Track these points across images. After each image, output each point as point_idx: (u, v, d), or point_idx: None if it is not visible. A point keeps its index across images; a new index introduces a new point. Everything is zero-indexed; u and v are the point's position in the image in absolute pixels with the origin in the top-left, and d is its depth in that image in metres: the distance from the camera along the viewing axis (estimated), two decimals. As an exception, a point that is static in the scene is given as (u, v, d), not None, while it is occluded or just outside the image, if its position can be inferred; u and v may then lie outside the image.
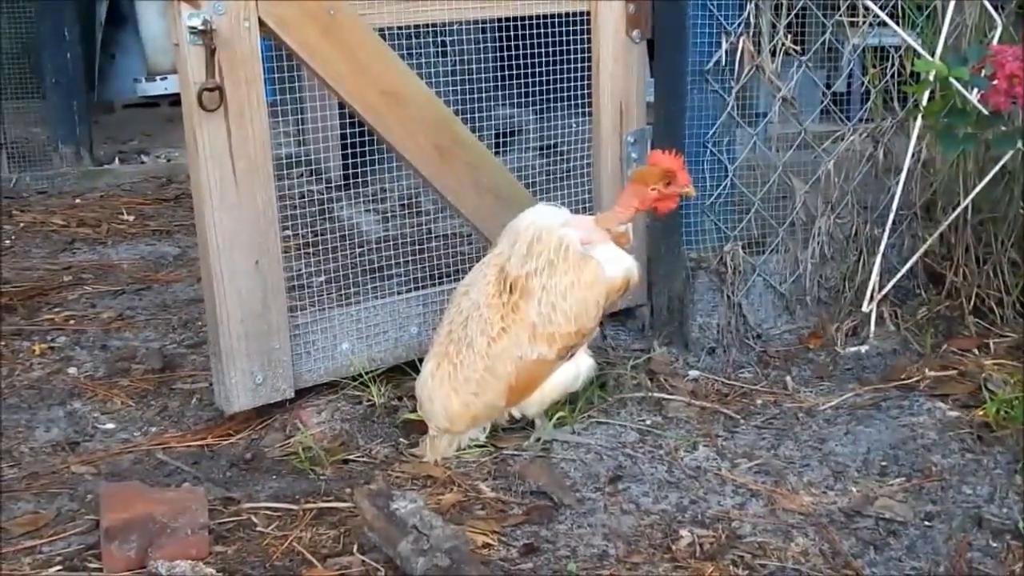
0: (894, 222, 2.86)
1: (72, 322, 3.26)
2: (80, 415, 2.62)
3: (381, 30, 2.52)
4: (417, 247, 3.05)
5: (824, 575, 1.92)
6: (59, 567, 1.97)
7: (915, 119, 2.76)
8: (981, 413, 2.46)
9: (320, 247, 2.80)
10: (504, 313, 2.29)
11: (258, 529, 2.09)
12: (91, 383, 2.80)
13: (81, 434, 2.53)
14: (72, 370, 2.89)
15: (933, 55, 2.63)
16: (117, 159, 5.64)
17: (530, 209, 2.41)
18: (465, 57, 3.75)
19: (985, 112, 2.43)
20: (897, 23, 2.79)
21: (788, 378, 2.73)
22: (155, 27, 6.77)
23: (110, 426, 2.57)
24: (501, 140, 4.08)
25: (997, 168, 2.73)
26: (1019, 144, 2.43)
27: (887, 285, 2.88)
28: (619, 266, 2.34)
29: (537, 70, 2.91)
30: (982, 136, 2.46)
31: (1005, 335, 2.87)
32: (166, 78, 6.78)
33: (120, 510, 1.99)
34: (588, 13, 2.80)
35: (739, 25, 2.70)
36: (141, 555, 1.94)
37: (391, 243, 2.88)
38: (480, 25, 3.81)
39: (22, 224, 4.47)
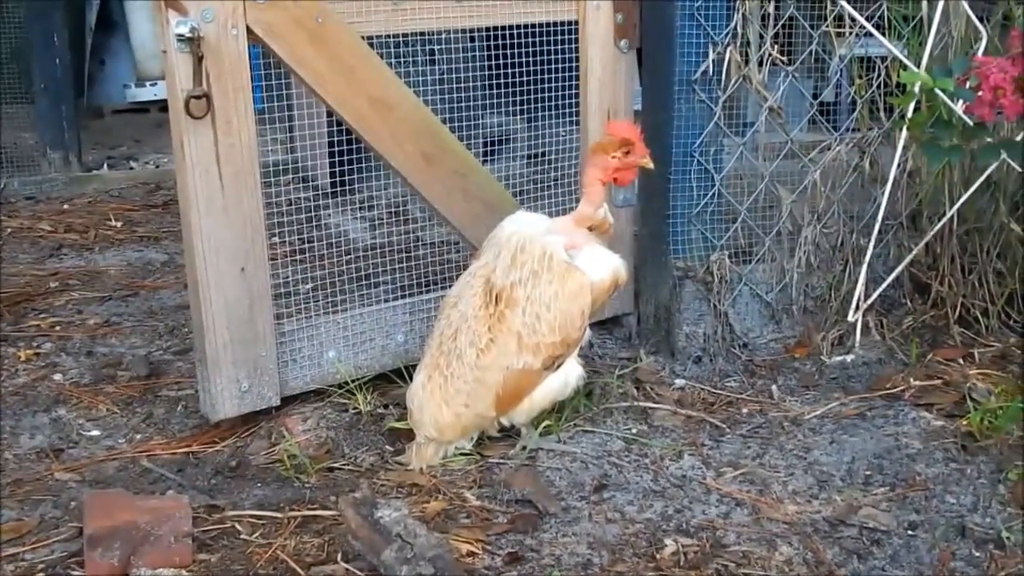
0: (880, 232, 2.87)
1: (58, 328, 3.25)
2: (65, 422, 2.61)
3: (369, 38, 2.53)
4: (405, 255, 3.05)
5: (807, 584, 1.93)
6: (42, 574, 1.96)
7: (901, 130, 2.77)
8: (965, 423, 2.47)
9: (307, 254, 2.80)
10: (491, 324, 2.29)
11: (242, 537, 2.08)
12: (76, 389, 2.79)
13: (66, 441, 2.52)
14: (57, 376, 2.88)
15: (919, 66, 2.65)
16: (106, 165, 5.62)
17: (509, 218, 2.42)
18: (454, 65, 3.76)
19: (970, 123, 2.44)
20: (883, 34, 2.81)
21: (774, 387, 2.73)
22: (145, 33, 6.75)
23: (95, 433, 2.56)
24: (489, 148, 4.09)
25: (982, 179, 2.74)
26: (1004, 155, 2.44)
27: (873, 295, 2.89)
28: (606, 267, 2.36)
29: (525, 79, 2.92)
30: (967, 148, 2.47)
31: (990, 345, 2.88)
32: (156, 84, 6.75)
33: (104, 518, 1.98)
34: (576, 22, 2.81)
35: (726, 35, 2.72)
36: (124, 563, 1.93)
37: (378, 251, 2.88)
38: (469, 33, 3.82)
39: (9, 229, 4.45)
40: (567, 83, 2.92)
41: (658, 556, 2.01)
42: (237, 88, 2.31)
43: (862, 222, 2.97)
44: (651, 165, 2.39)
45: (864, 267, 2.86)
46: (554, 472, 2.33)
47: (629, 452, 2.42)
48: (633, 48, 2.88)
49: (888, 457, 2.36)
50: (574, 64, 2.86)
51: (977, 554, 2.00)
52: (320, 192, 3.87)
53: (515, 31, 2.85)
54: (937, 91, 2.42)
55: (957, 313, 2.96)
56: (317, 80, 2.44)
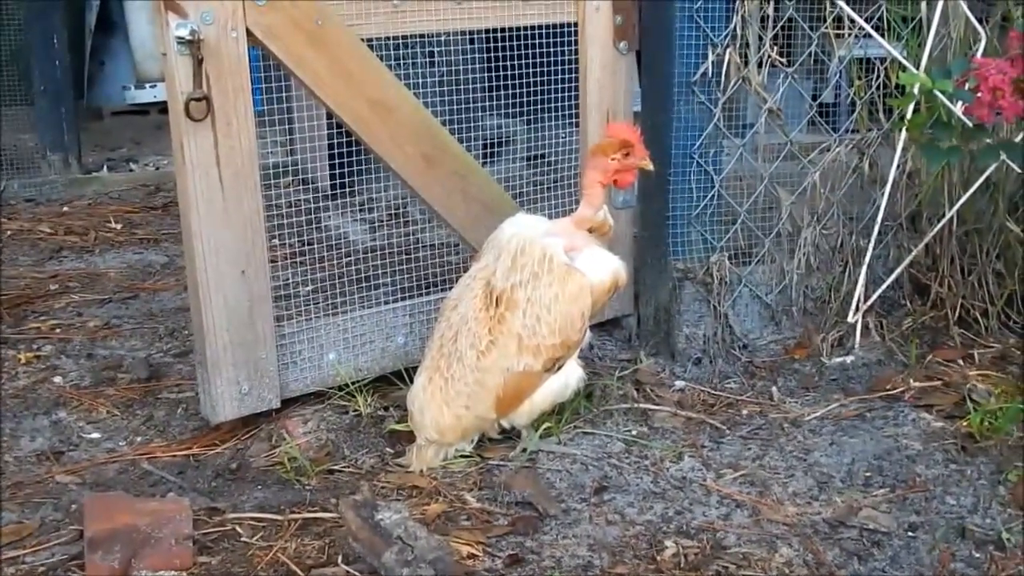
0: (879, 233, 2.88)
1: (58, 331, 3.25)
2: (65, 424, 2.61)
3: (369, 40, 2.53)
4: (404, 257, 3.06)
5: (808, 586, 1.93)
6: (42, 578, 1.96)
7: (900, 131, 2.78)
8: (965, 424, 2.47)
9: (307, 256, 2.79)
10: (491, 326, 2.29)
11: (243, 539, 2.08)
12: (77, 392, 2.79)
13: (66, 443, 2.52)
14: (58, 379, 2.88)
15: (918, 67, 2.65)
16: (105, 167, 5.62)
17: (509, 220, 2.42)
18: (453, 67, 3.76)
19: (969, 125, 2.45)
20: (883, 35, 2.81)
21: (774, 388, 2.73)
22: (145, 34, 6.75)
23: (95, 435, 2.56)
24: (489, 150, 4.09)
25: (981, 180, 2.75)
26: (1003, 157, 2.44)
27: (872, 296, 2.90)
28: (606, 269, 2.36)
29: (525, 80, 2.93)
30: (966, 149, 2.48)
31: (990, 346, 2.89)
32: (155, 85, 6.76)
33: (104, 520, 1.99)
34: (576, 24, 2.81)
35: (726, 37, 2.72)
36: (125, 566, 1.93)
37: (378, 253, 2.89)
38: (468, 36, 3.82)
39: (9, 232, 4.45)
40: (566, 85, 2.92)
41: (658, 558, 2.01)
42: (237, 90, 2.31)
43: (862, 223, 2.97)
44: (651, 167, 2.40)
45: (864, 268, 2.87)
46: (554, 474, 2.33)
47: (629, 454, 2.42)
48: (632, 50, 2.88)
49: (888, 458, 2.36)
50: (573, 66, 2.87)
51: (977, 555, 2.01)
52: (320, 194, 3.87)
53: (514, 33, 2.85)
54: (936, 93, 2.42)
55: (957, 314, 2.96)
56: (317, 82, 2.44)
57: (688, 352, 2.86)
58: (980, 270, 2.95)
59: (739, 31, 2.72)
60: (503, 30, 2.84)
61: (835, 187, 2.96)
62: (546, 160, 3.15)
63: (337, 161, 2.94)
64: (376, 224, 3.79)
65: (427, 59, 3.86)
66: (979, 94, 2.28)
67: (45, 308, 3.47)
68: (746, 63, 2.75)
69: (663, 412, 2.62)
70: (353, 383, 2.63)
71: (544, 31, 2.86)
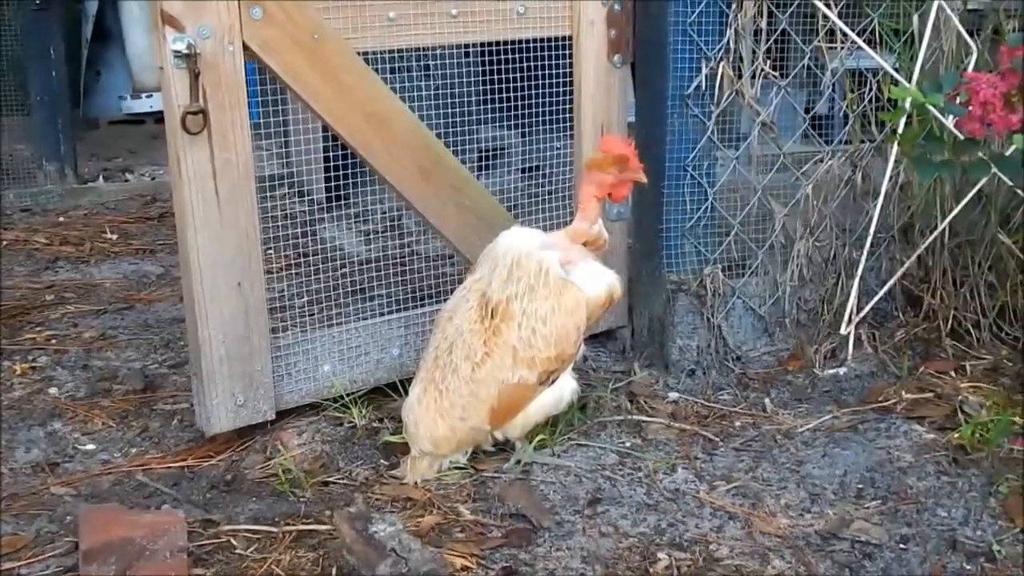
0: (872, 245, 2.89)
1: (54, 341, 3.26)
2: (60, 436, 2.62)
3: (365, 54, 2.54)
4: (400, 268, 3.07)
5: (800, 598, 1.94)
6: (37, 590, 1.97)
7: (892, 143, 2.79)
8: (957, 436, 2.48)
9: (303, 268, 2.80)
10: (487, 338, 2.30)
11: (237, 551, 2.09)
12: (72, 403, 2.79)
13: (61, 455, 2.53)
14: (53, 390, 2.88)
15: (910, 80, 2.67)
16: (101, 177, 5.63)
17: (505, 233, 2.43)
18: (449, 80, 3.77)
19: (961, 138, 2.46)
20: (875, 48, 2.83)
21: (767, 400, 2.75)
22: (141, 45, 6.78)
23: (90, 447, 2.57)
24: (484, 162, 4.10)
25: (973, 192, 2.76)
26: (994, 169, 2.46)
27: (865, 308, 2.91)
28: (601, 283, 2.37)
29: (520, 93, 2.94)
30: (958, 162, 2.49)
31: (981, 357, 2.90)
32: (151, 95, 6.78)
33: (99, 532, 1.99)
34: (570, 38, 2.83)
35: (719, 50, 2.73)
36: (120, 578, 1.94)
37: (374, 264, 2.90)
38: (464, 49, 3.84)
39: (5, 242, 4.46)
40: (561, 97, 2.94)
41: (652, 570, 2.02)
42: (233, 104, 2.32)
43: (854, 235, 2.99)
44: (645, 180, 2.41)
45: (856, 280, 2.88)
46: (548, 486, 2.33)
47: (623, 466, 2.43)
48: (626, 63, 2.89)
49: (880, 470, 2.38)
50: (568, 79, 2.88)
51: (968, 567, 2.02)
52: (316, 206, 3.88)
53: (509, 46, 2.87)
54: (928, 106, 2.43)
55: (949, 326, 2.98)
56: (313, 95, 2.45)
57: (681, 364, 2.87)
58: (972, 282, 2.96)
59: (732, 44, 2.74)
60: (498, 43, 2.86)
61: (828, 199, 2.97)
62: (541, 172, 3.16)
63: (333, 173, 2.96)
64: (371, 236, 3.80)
65: (423, 72, 3.87)
66: (970, 108, 2.30)
67: (41, 319, 3.48)
68: (739, 76, 2.77)
69: (657, 424, 2.63)
70: (348, 395, 2.64)
71: (539, 44, 2.87)
